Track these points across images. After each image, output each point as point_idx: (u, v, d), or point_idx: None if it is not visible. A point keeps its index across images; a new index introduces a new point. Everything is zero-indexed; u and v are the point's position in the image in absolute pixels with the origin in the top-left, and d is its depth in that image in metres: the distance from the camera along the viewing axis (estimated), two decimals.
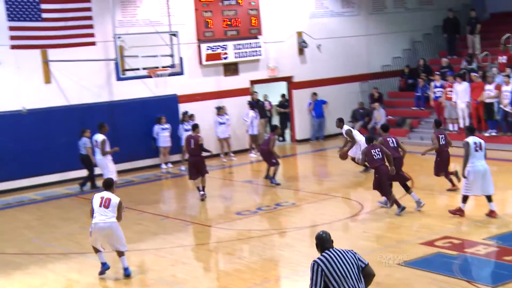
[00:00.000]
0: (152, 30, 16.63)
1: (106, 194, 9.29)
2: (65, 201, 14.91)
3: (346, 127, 14.94)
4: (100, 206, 9.15)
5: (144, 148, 18.02)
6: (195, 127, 14.17)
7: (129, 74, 15.59)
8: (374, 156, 11.54)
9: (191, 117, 18.10)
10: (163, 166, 18.11)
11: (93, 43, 17.36)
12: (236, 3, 19.67)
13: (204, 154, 13.87)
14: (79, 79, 17.40)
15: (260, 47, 20.15)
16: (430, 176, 13.56)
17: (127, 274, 9.34)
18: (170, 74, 15.82)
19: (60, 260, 10.36)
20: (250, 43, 19.98)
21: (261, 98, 21.04)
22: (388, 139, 12.27)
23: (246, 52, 19.88)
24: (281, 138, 20.64)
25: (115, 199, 9.21)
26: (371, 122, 20.57)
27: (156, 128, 17.87)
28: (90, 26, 17.36)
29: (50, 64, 16.86)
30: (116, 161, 15.24)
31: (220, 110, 18.83)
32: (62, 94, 17.17)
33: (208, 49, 19.18)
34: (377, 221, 11.43)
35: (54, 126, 16.71)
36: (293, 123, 21.47)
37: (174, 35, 15.93)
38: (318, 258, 5.57)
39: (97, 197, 9.27)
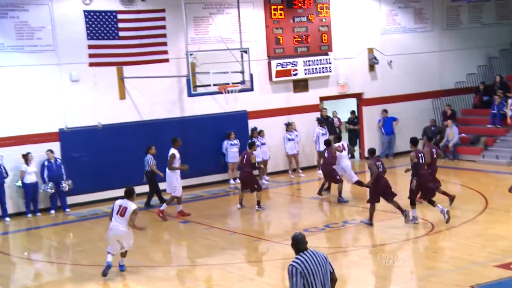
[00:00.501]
0: (223, 47, 16.80)
1: (125, 202, 9.94)
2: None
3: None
4: (117, 213, 9.89)
5: (213, 163, 18.17)
6: (251, 144, 14.83)
7: (200, 90, 15.82)
8: (379, 168, 12.37)
9: (260, 133, 18.17)
10: (232, 181, 18.21)
11: (166, 60, 17.70)
12: (307, 19, 19.69)
13: (255, 172, 14.64)
14: (152, 95, 17.77)
15: (330, 63, 20.10)
16: (506, 196, 13.09)
17: (122, 270, 10.37)
18: (240, 90, 15.78)
19: (131, 273, 10.55)
20: (320, 60, 19.94)
21: (330, 114, 20.92)
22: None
23: (316, 68, 19.84)
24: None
25: (131, 207, 9.80)
26: (444, 140, 20.10)
27: (225, 143, 17.99)
28: (164, 44, 17.75)
29: (125, 80, 17.34)
30: (186, 176, 15.44)
31: (289, 126, 18.79)
32: (135, 109, 17.51)
33: (278, 65, 19.27)
34: (448, 241, 11.20)
35: (128, 141, 16.98)
36: (363, 140, 21.21)
37: (245, 51, 16.05)
38: (294, 262, 5.80)
39: (117, 204, 10.04)
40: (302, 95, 19.81)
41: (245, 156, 14.54)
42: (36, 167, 15.89)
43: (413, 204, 12.53)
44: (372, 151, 13.01)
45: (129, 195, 10.00)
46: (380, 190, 12.53)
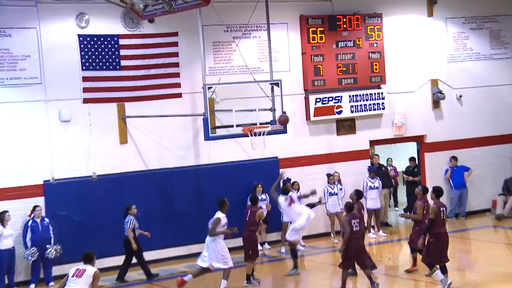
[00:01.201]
0: (249, 79, 16.74)
1: (82, 266, 10.48)
2: None
3: None
4: (73, 276, 10.37)
5: (236, 223, 17.76)
6: (254, 200, 15.36)
7: (220, 132, 15.84)
8: (354, 228, 13.35)
9: (293, 185, 18.01)
10: (259, 247, 17.80)
11: (179, 95, 17.73)
12: (354, 44, 19.66)
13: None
14: (160, 139, 17.74)
15: (383, 98, 19.99)
16: None
17: None
18: (271, 133, 15.84)
19: None
20: (371, 94, 19.81)
21: (384, 163, 20.73)
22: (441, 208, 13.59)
23: (365, 105, 19.72)
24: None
25: (90, 270, 10.37)
26: None
27: None
28: (177, 75, 17.77)
29: (128, 120, 17.36)
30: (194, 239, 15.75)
31: (330, 178, 18.79)
32: (139, 156, 17.55)
33: (317, 101, 19.19)
34: None
35: (129, 195, 16.96)
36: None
37: (277, 84, 15.98)
38: None
39: (73, 269, 10.55)
40: (348, 138, 19.85)
41: (249, 211, 15.08)
42: (14, 229, 15.83)
43: (431, 266, 13.47)
44: (349, 207, 13.79)
45: (88, 259, 10.54)
46: (352, 253, 13.47)
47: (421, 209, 14.32)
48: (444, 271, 13.40)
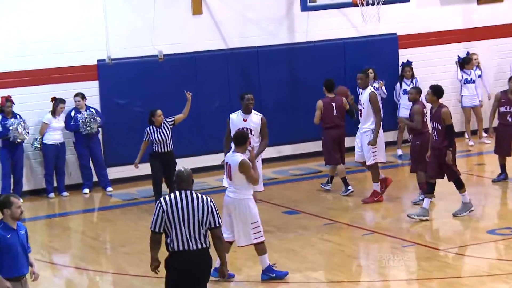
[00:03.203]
0: None
1: (231, 156, 10.89)
2: None
3: None
4: (226, 176, 11.04)
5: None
6: (330, 85, 15.16)
7: (321, 1, 15.79)
8: None
9: (410, 72, 18.05)
10: None
11: None
12: None
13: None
14: (244, 8, 17.75)
15: None
16: None
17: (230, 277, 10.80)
18: (388, 1, 15.89)
19: None
20: None
21: None
22: None
23: None
24: None
25: (236, 161, 10.69)
26: None
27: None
28: None
29: None
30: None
31: (467, 62, 18.59)
32: (217, 31, 17.67)
33: None
34: None
35: (201, 79, 17.28)
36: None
37: None
38: (163, 198, 8.49)
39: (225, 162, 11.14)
40: (492, 8, 19.41)
41: (333, 104, 15.06)
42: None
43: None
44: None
45: (239, 142, 10.77)
46: None
47: None
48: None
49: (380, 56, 18.40)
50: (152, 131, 14.54)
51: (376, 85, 17.66)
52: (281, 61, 17.88)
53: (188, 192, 8.40)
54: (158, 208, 8.35)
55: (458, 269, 11.29)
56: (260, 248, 10.86)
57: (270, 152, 17.24)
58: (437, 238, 12.94)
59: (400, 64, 18.61)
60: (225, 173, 11.20)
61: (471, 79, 18.54)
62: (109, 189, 16.59)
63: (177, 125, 14.89)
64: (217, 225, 8.41)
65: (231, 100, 16.80)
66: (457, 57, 18.75)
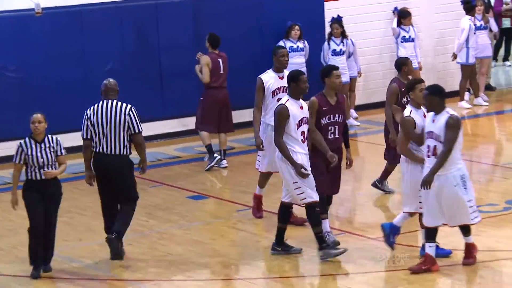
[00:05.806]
0: None
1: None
2: None
3: None
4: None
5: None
6: (215, 41, 15.21)
7: None
8: None
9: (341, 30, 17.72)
10: None
11: None
12: None
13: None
14: None
15: None
16: None
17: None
18: None
19: None
20: None
21: None
22: None
23: None
24: None
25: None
26: None
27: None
28: None
29: None
30: None
31: (405, 16, 18.01)
32: None
33: None
34: None
35: (88, 41, 16.73)
36: None
37: None
38: (89, 108, 10.47)
39: None
40: None
41: (219, 61, 15.08)
42: None
43: None
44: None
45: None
46: None
47: None
48: None
49: (306, 11, 18.21)
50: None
51: (300, 44, 17.53)
52: (184, 15, 17.43)
53: (110, 101, 10.19)
54: (84, 116, 10.23)
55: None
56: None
57: (173, 125, 17.53)
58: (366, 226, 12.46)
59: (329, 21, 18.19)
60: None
61: (409, 36, 18.21)
62: None
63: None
64: (137, 131, 10.19)
65: (126, 66, 16.79)
66: (394, 8, 18.56)
